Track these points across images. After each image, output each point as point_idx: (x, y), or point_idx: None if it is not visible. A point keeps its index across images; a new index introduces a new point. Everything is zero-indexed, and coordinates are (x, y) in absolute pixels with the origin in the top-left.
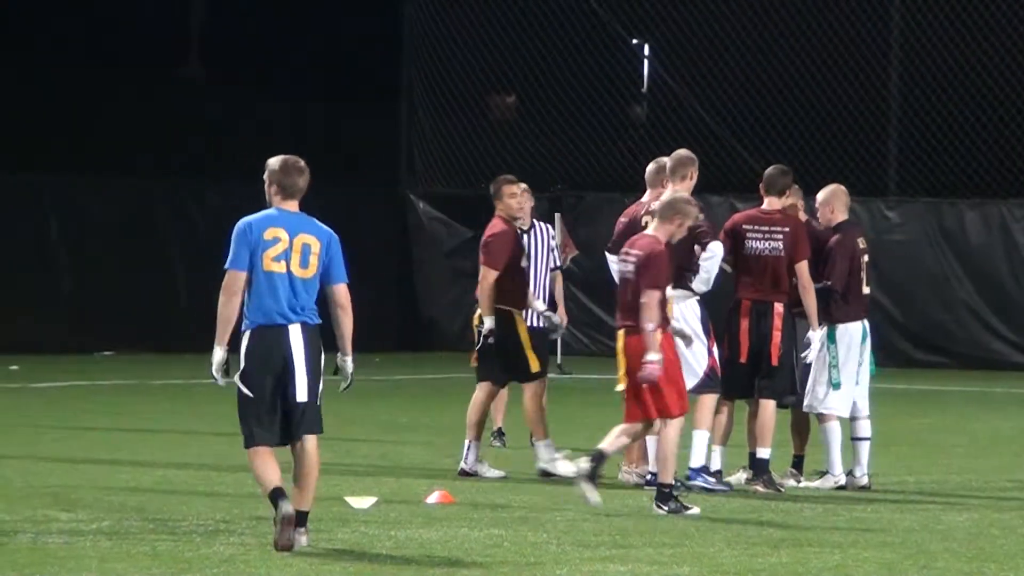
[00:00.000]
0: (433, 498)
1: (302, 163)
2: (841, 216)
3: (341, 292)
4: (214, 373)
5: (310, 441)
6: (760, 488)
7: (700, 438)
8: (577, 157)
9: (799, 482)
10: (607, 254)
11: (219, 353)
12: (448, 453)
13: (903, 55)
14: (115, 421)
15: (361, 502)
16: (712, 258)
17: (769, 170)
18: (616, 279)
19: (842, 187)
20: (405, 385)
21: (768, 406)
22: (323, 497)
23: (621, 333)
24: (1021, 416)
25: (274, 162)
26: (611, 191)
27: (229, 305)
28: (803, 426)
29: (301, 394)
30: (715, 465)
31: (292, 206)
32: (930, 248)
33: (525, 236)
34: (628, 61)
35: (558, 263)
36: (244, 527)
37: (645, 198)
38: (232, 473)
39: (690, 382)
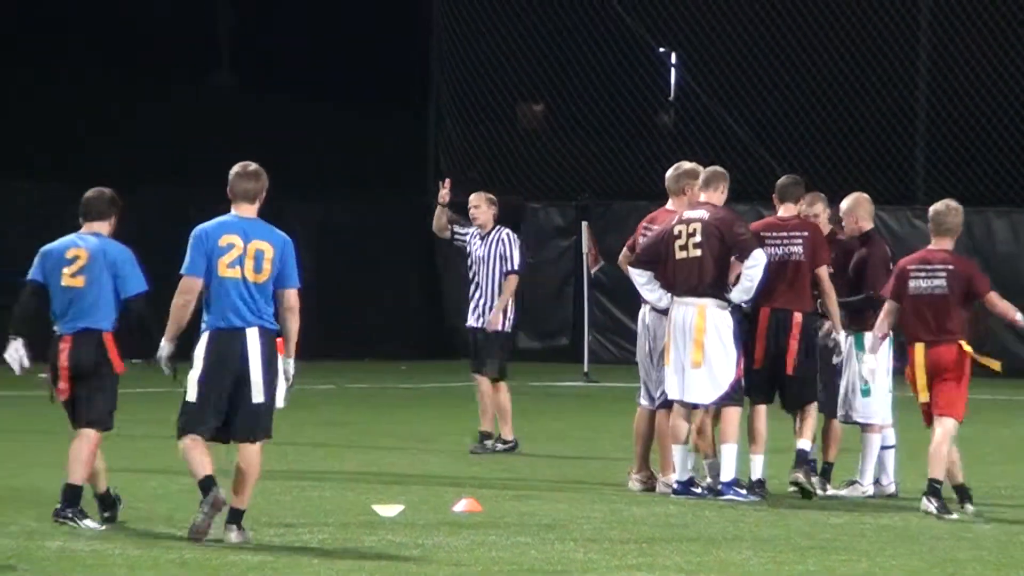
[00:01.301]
0: (460, 506)
1: (253, 167)
2: (867, 225)
3: (291, 296)
4: (162, 365)
5: (252, 446)
6: (799, 475)
7: (729, 452)
8: (604, 165)
9: (826, 490)
10: (631, 268)
11: (166, 348)
12: (474, 461)
13: (931, 63)
14: (144, 428)
15: (388, 510)
16: (756, 266)
17: (781, 180)
18: (644, 294)
19: (865, 195)
20: (432, 393)
21: (810, 410)
22: (350, 505)
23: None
24: None
25: (233, 169)
26: (638, 199)
27: (184, 309)
28: (832, 434)
29: (257, 396)
30: (756, 473)
31: (247, 211)
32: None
33: (479, 242)
34: (655, 69)
35: (514, 267)
36: (272, 535)
37: (669, 205)
38: (261, 481)
39: (714, 395)
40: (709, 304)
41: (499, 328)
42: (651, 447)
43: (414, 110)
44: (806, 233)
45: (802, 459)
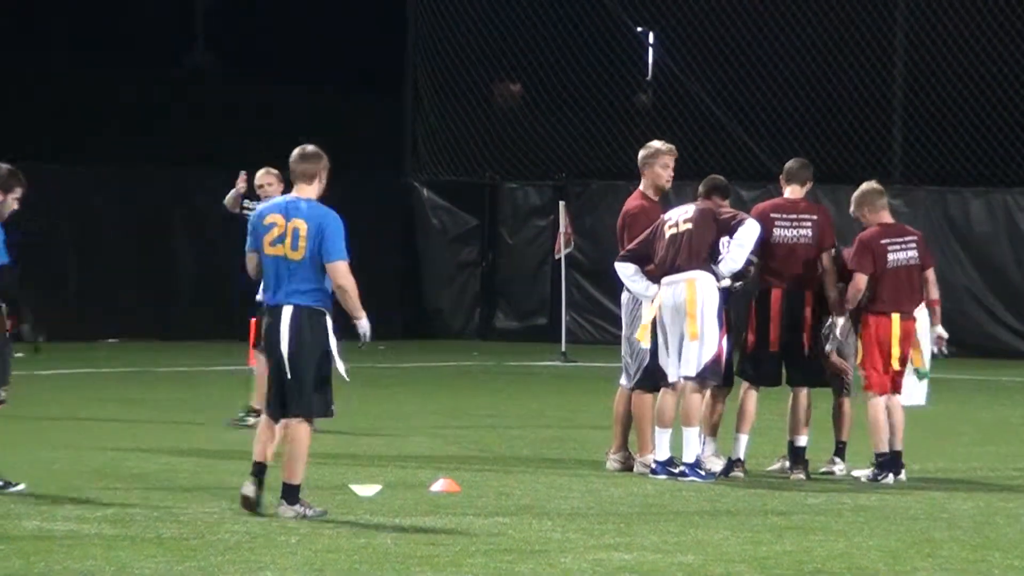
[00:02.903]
0: (438, 486)
1: (311, 149)
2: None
3: (332, 270)
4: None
5: (293, 422)
6: (801, 476)
7: (691, 435)
8: (582, 145)
9: (841, 469)
10: (617, 263)
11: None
12: (452, 441)
13: (908, 43)
14: (120, 409)
15: (366, 490)
16: (750, 231)
17: (790, 162)
18: (629, 285)
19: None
20: (410, 373)
21: (802, 394)
22: (328, 485)
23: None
24: None
25: (293, 151)
26: (616, 179)
27: (254, 278)
28: (842, 412)
29: (288, 372)
30: (739, 453)
31: (304, 191)
32: (935, 237)
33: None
34: (633, 49)
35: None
36: (249, 514)
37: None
38: (237, 461)
39: (695, 368)
40: (699, 277)
41: None
42: (630, 428)
43: (391, 89)
44: (815, 216)
45: (800, 456)
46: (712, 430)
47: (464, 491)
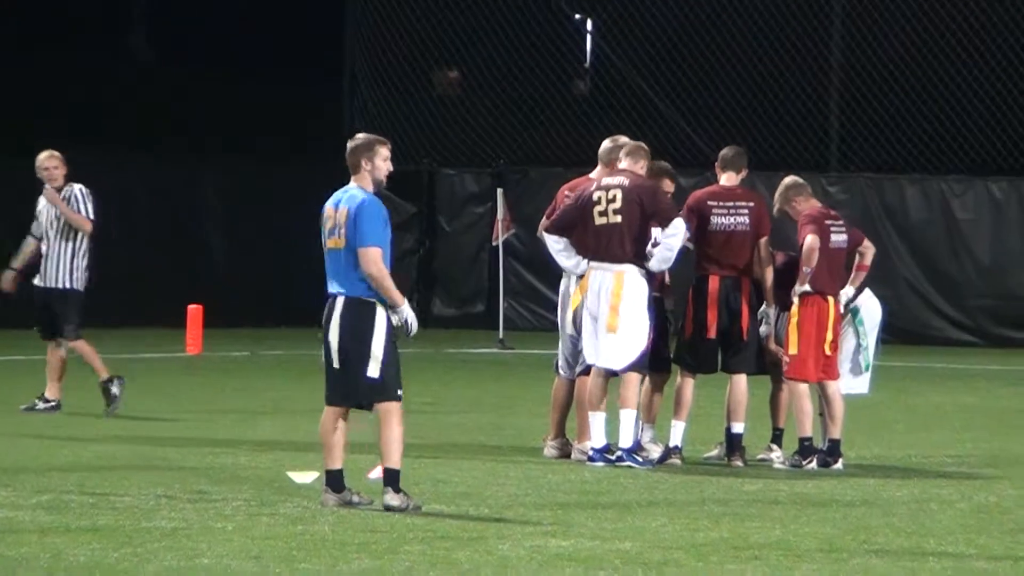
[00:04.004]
0: (375, 473)
1: (359, 138)
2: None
3: (361, 256)
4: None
5: (355, 413)
6: (738, 463)
7: (627, 417)
8: (520, 132)
9: (778, 456)
10: (546, 234)
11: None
12: None
13: (844, 32)
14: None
15: (303, 477)
16: (675, 235)
17: (725, 150)
18: (560, 260)
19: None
20: None
21: (741, 381)
22: (264, 471)
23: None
24: (961, 392)
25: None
26: (554, 166)
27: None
28: (779, 399)
29: (335, 361)
30: (675, 440)
31: (355, 180)
32: (871, 224)
33: (42, 202)
34: (571, 37)
35: (89, 217)
36: (185, 501)
37: (594, 174)
38: (173, 447)
39: (624, 361)
40: (628, 271)
41: (70, 287)
42: (568, 415)
43: (328, 75)
44: (752, 204)
45: (737, 443)
46: (650, 417)
47: (402, 478)
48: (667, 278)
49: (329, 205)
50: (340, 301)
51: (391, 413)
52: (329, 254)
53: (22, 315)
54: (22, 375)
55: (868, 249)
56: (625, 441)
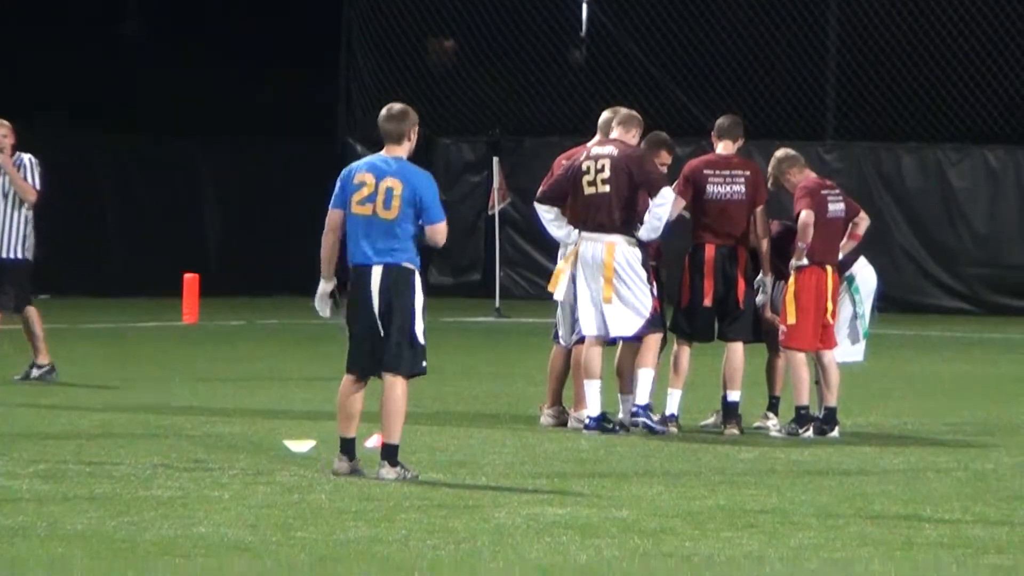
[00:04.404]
0: (372, 442)
1: (398, 108)
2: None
3: (434, 231)
4: (316, 304)
5: (389, 379)
6: (735, 431)
7: (645, 376)
8: (515, 101)
9: (775, 424)
10: (537, 204)
11: (322, 286)
12: None
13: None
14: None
15: (299, 446)
16: (664, 204)
17: (721, 119)
18: (551, 230)
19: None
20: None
21: (737, 349)
22: (261, 440)
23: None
24: (957, 360)
25: (381, 112)
26: (549, 135)
27: (326, 241)
28: (776, 368)
29: (379, 330)
30: (672, 408)
31: (394, 151)
32: (867, 193)
33: None
34: (567, 5)
35: (36, 187)
36: (182, 470)
37: (591, 143)
38: (169, 416)
39: (635, 327)
40: (618, 241)
41: (18, 257)
42: (565, 384)
43: (325, 47)
44: (748, 172)
45: (733, 411)
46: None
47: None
48: (660, 246)
49: (364, 171)
50: (378, 270)
51: (405, 387)
52: (362, 221)
53: None
54: (14, 343)
55: (863, 220)
56: (642, 398)
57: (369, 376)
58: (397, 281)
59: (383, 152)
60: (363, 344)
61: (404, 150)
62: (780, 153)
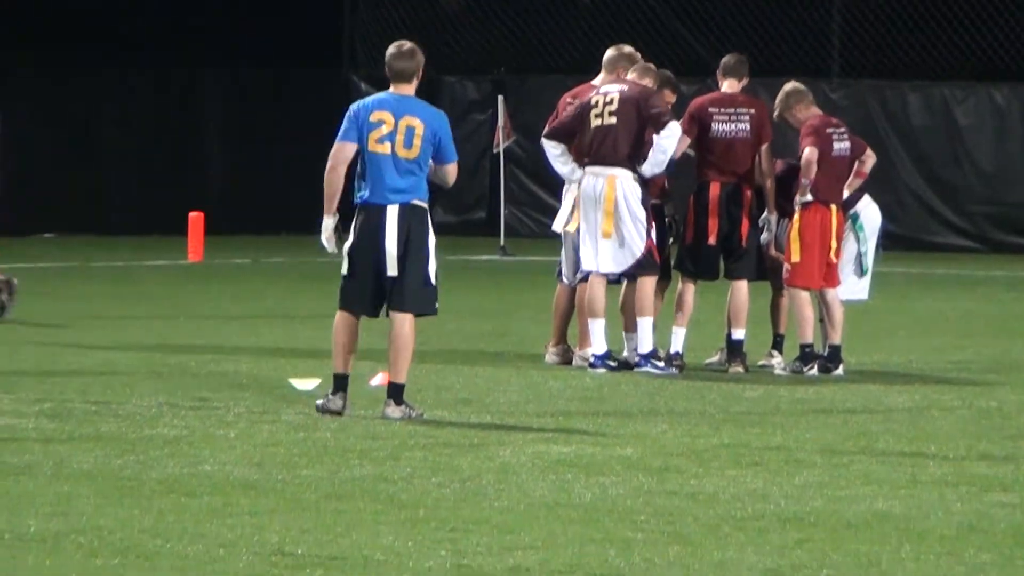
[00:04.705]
0: (377, 380)
1: (408, 46)
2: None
3: (449, 171)
4: (323, 241)
5: (399, 318)
6: (739, 369)
7: (644, 325)
8: (520, 40)
9: (779, 362)
10: (544, 140)
11: (327, 221)
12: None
13: None
14: (56, 304)
15: (304, 384)
16: (671, 137)
17: (727, 57)
18: (556, 166)
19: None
20: None
21: (741, 287)
22: (266, 378)
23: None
24: (962, 298)
25: (389, 49)
26: (554, 74)
27: (331, 174)
28: (780, 306)
29: (391, 269)
30: (676, 347)
31: (405, 89)
32: (873, 131)
33: None
34: None
35: None
36: (187, 408)
37: (596, 81)
38: (175, 355)
39: (625, 264)
40: (620, 174)
41: None
42: (570, 322)
43: None
44: (753, 110)
45: (738, 349)
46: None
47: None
48: (667, 184)
49: (381, 109)
50: (394, 209)
51: (414, 327)
52: (381, 159)
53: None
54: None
55: (869, 157)
56: (644, 347)
57: (372, 315)
58: (412, 220)
59: (391, 90)
60: (365, 284)
61: (413, 89)
62: (789, 87)
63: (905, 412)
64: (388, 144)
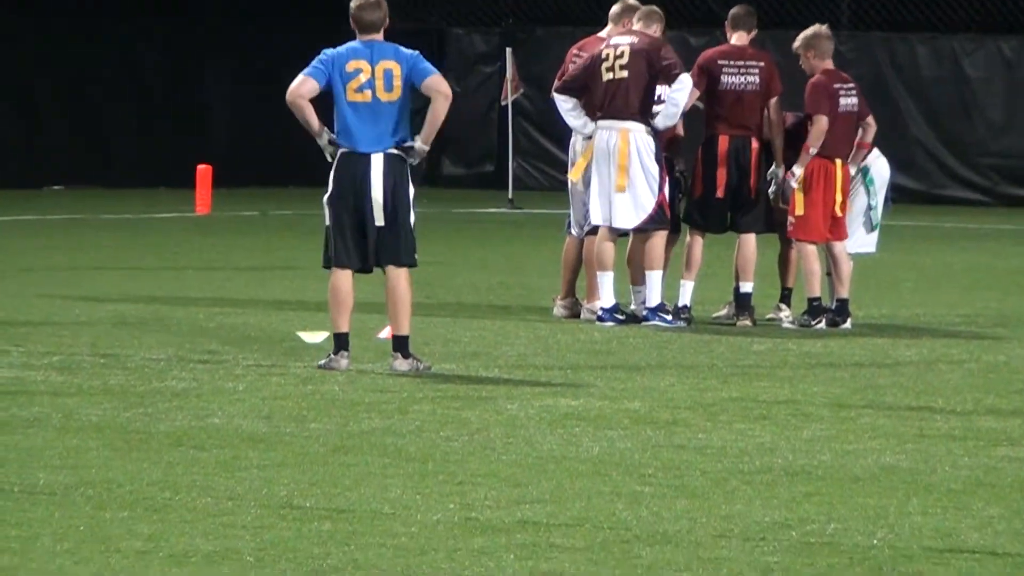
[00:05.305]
0: (384, 333)
1: None
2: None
3: (435, 82)
4: (329, 158)
5: (393, 271)
6: (747, 322)
7: (653, 279)
8: None
9: (787, 316)
10: (556, 93)
11: (323, 139)
12: None
13: None
14: (65, 256)
15: (312, 337)
16: (682, 90)
17: (735, 9)
18: (569, 120)
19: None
20: None
21: (750, 241)
22: (274, 331)
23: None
24: (970, 251)
25: (352, 2)
26: (562, 25)
27: (299, 105)
28: (788, 259)
29: (378, 219)
30: (684, 300)
31: (375, 38)
32: (882, 83)
33: None
34: None
35: None
36: (196, 361)
37: (604, 33)
38: (184, 307)
39: (637, 219)
40: (633, 127)
41: None
42: (578, 275)
43: None
44: (762, 63)
45: (746, 302)
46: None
47: (411, 338)
48: (680, 128)
49: (356, 58)
50: (378, 159)
51: (407, 278)
52: (363, 107)
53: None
54: (23, 237)
55: (870, 126)
56: (652, 300)
57: (363, 271)
58: (394, 167)
59: (362, 39)
60: (353, 236)
61: (381, 38)
62: (811, 31)
63: (913, 366)
64: (369, 92)
